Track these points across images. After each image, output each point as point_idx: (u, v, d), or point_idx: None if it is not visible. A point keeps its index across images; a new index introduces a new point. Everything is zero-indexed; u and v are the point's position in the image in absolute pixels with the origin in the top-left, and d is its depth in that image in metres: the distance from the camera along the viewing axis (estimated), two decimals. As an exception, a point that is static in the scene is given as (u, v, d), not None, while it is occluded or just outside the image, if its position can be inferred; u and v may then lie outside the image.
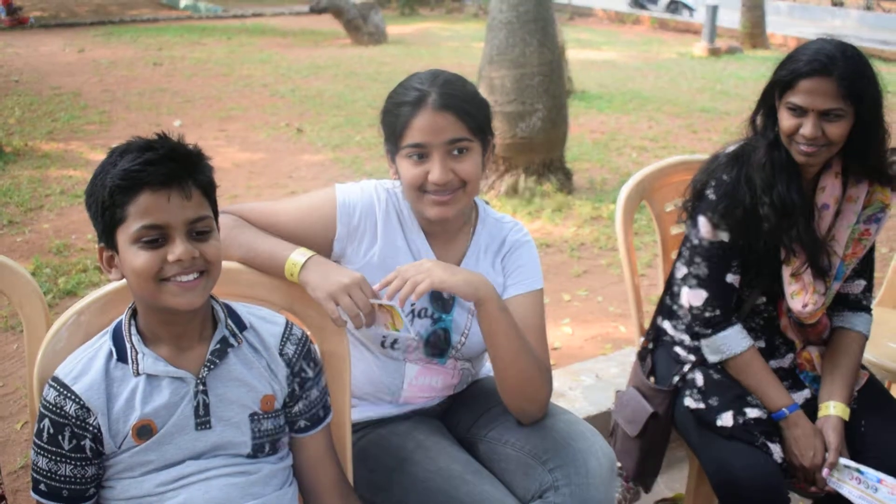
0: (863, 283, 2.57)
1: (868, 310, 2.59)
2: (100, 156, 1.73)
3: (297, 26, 18.30)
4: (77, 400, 1.71)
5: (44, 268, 5.18)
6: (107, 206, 1.65)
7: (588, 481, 2.03)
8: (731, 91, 11.89)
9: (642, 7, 22.14)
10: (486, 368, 2.49)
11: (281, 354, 1.90)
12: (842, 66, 2.23)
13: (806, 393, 2.53)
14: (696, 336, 2.55)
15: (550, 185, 6.88)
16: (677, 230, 2.91)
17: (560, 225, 6.36)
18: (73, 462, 1.73)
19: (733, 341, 2.45)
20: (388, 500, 2.16)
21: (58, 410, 1.71)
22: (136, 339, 1.77)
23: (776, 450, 2.35)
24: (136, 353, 1.76)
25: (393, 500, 2.15)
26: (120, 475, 1.78)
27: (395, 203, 2.22)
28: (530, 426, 2.18)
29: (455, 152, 2.05)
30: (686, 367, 2.58)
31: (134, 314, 1.81)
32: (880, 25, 21.74)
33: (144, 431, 1.75)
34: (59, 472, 1.72)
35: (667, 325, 2.71)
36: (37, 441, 1.73)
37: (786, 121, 2.32)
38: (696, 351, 2.59)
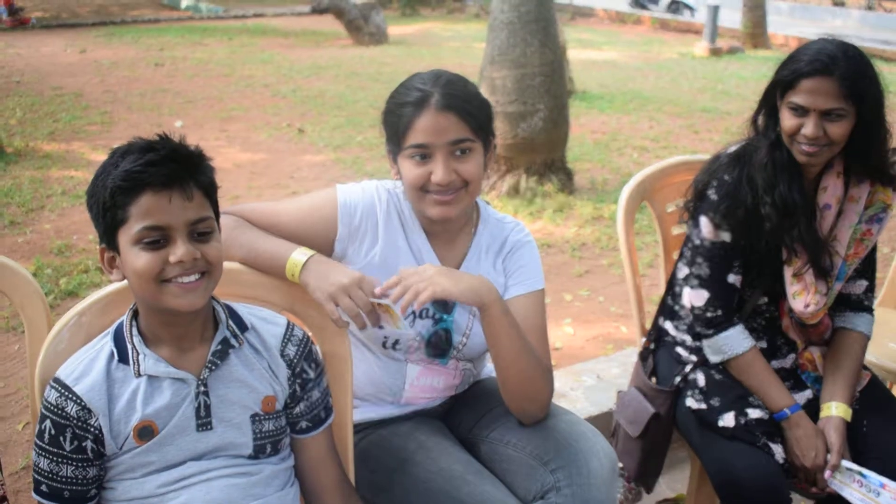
0: (864, 283, 2.57)
1: (870, 310, 2.59)
2: (101, 156, 1.73)
3: (299, 27, 18.29)
4: (78, 401, 1.71)
5: (45, 268, 5.18)
6: (108, 207, 1.65)
7: (590, 482, 2.03)
8: (732, 91, 11.88)
9: (643, 7, 22.12)
10: (488, 369, 2.49)
11: (282, 355, 1.90)
12: (843, 66, 2.22)
13: (808, 393, 2.52)
14: (697, 336, 2.55)
15: (552, 185, 6.88)
16: (678, 230, 2.90)
17: (561, 225, 6.35)
18: (74, 463, 1.73)
19: (735, 342, 2.44)
20: (390, 501, 2.16)
21: (59, 411, 1.71)
22: (137, 340, 1.77)
23: (778, 450, 2.35)
24: (138, 354, 1.75)
25: (394, 500, 2.15)
26: (121, 476, 1.78)
27: (397, 203, 2.22)
28: (532, 427, 2.18)
29: (457, 153, 2.05)
30: (687, 368, 2.58)
31: (135, 315, 1.81)
32: (882, 25, 21.73)
33: (145, 432, 1.75)
34: (60, 473, 1.72)
35: (668, 325, 2.71)
36: (38, 442, 1.73)
37: (787, 121, 2.32)
38: (697, 351, 2.59)
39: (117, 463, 1.77)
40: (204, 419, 1.79)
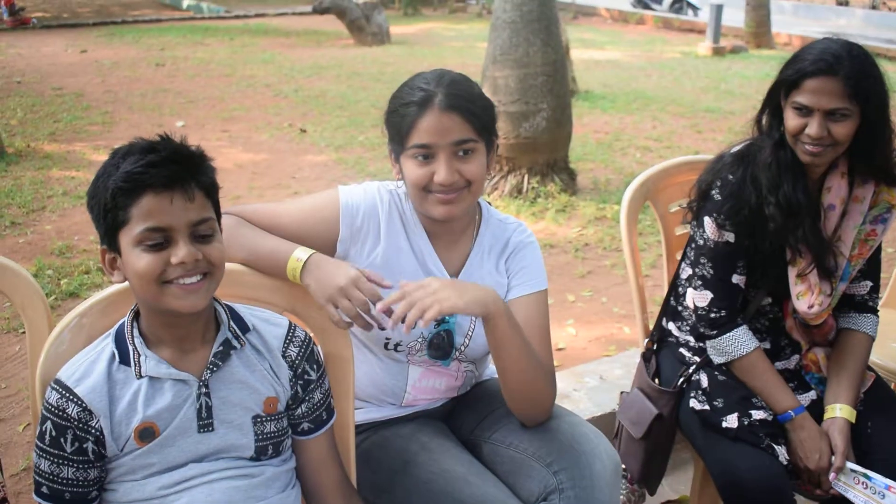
0: (869, 283, 2.56)
1: (874, 311, 2.58)
2: (102, 157, 1.72)
3: (300, 26, 18.30)
4: (79, 402, 1.71)
5: (46, 269, 5.18)
6: (109, 209, 1.65)
7: (592, 483, 2.03)
8: (735, 90, 11.87)
9: (646, 6, 22.11)
10: (490, 370, 2.48)
11: (284, 356, 1.90)
12: (848, 66, 2.22)
13: (812, 394, 2.52)
14: (701, 337, 2.54)
15: (554, 185, 6.87)
16: (681, 231, 2.90)
17: (564, 225, 6.35)
18: (75, 465, 1.72)
19: (739, 342, 2.44)
20: (391, 502, 2.15)
21: (60, 413, 1.71)
22: (138, 341, 1.76)
23: (781, 452, 2.34)
24: (139, 355, 1.75)
25: (396, 501, 2.14)
26: (122, 478, 1.78)
27: (398, 204, 2.21)
28: (534, 428, 2.18)
29: (461, 153, 2.04)
30: (691, 369, 2.57)
31: (136, 316, 1.80)
32: (886, 24, 21.70)
33: (147, 434, 1.75)
34: (61, 475, 1.72)
35: (671, 326, 2.71)
36: (39, 443, 1.73)
37: (791, 120, 2.31)
38: (700, 352, 2.58)
39: (118, 464, 1.77)
40: (205, 420, 1.79)
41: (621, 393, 2.82)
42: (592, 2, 23.06)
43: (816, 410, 2.45)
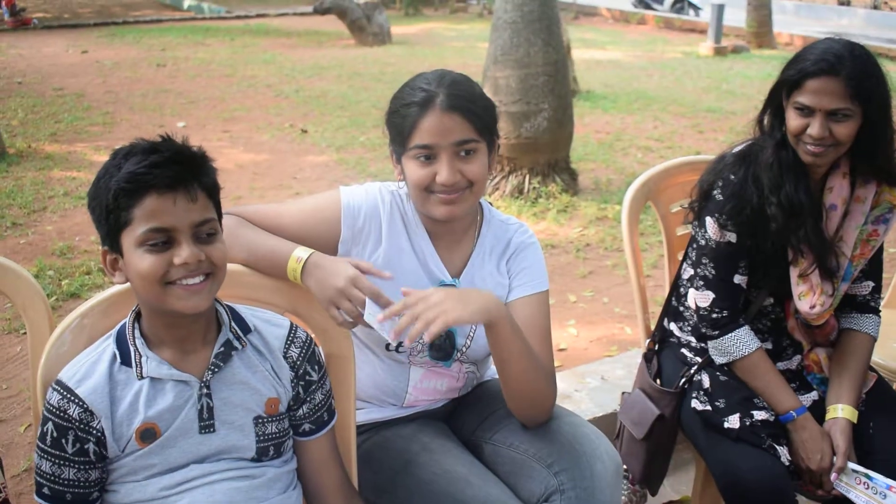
0: (871, 284, 2.56)
1: (876, 311, 2.58)
2: (103, 157, 1.72)
3: (301, 27, 18.29)
4: (81, 403, 1.71)
5: (47, 270, 5.17)
6: (111, 210, 1.65)
7: (593, 484, 2.02)
8: (737, 91, 11.85)
9: (647, 6, 22.09)
10: (492, 371, 2.48)
11: (285, 357, 1.90)
12: (850, 66, 2.21)
13: (813, 395, 2.51)
14: (702, 338, 2.54)
15: (556, 185, 6.86)
16: (683, 231, 2.90)
17: (565, 226, 6.34)
18: (76, 466, 1.72)
19: (741, 343, 2.43)
20: (393, 503, 2.16)
21: (61, 414, 1.71)
22: (139, 342, 1.76)
23: (783, 452, 2.34)
24: (140, 356, 1.75)
25: (397, 502, 2.15)
26: (123, 479, 1.78)
27: (400, 205, 2.21)
28: (535, 429, 2.18)
29: (462, 153, 2.04)
30: (692, 369, 2.57)
31: (137, 317, 1.80)
32: (888, 24, 21.66)
33: (148, 435, 1.75)
34: (62, 476, 1.72)
35: (673, 326, 2.71)
36: (40, 444, 1.73)
37: (793, 121, 2.31)
38: (702, 352, 2.58)
39: (119, 465, 1.77)
40: (207, 421, 1.79)
41: (623, 393, 2.81)
42: (593, 2, 23.03)
43: (818, 411, 2.45)
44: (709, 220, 2.43)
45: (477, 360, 2.33)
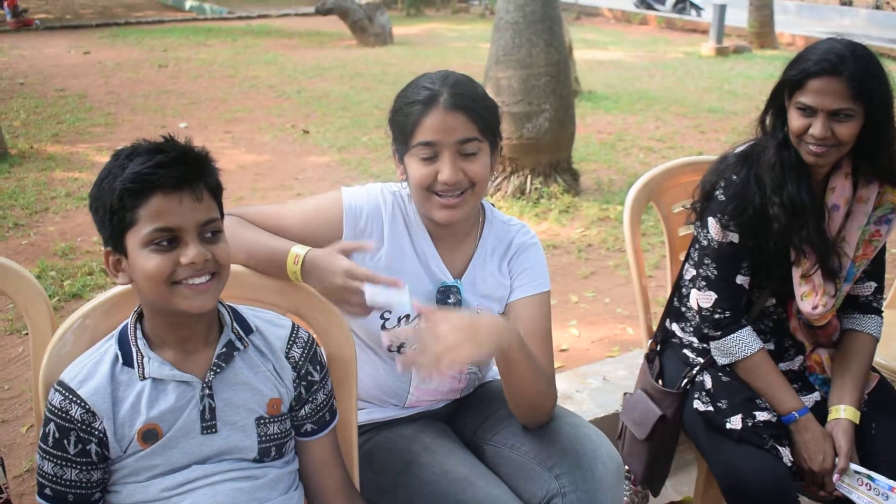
0: (873, 284, 2.56)
1: (878, 312, 2.58)
2: (105, 158, 1.71)
3: (303, 27, 18.30)
4: (83, 404, 1.71)
5: (49, 271, 5.17)
6: (115, 210, 1.64)
7: (595, 486, 2.02)
8: (739, 91, 11.85)
9: (649, 6, 22.08)
10: (493, 371, 2.48)
11: (287, 357, 1.90)
12: (851, 66, 2.21)
13: (815, 396, 2.51)
14: (704, 338, 2.54)
15: (557, 186, 6.86)
16: (685, 231, 2.90)
17: (567, 226, 6.34)
18: (78, 466, 1.72)
19: (743, 344, 2.43)
20: (394, 503, 2.15)
21: (63, 415, 1.71)
22: (141, 342, 1.76)
23: (785, 453, 2.34)
24: (142, 356, 1.75)
25: (399, 502, 2.14)
26: (125, 480, 1.78)
27: (402, 206, 2.21)
28: (535, 430, 2.18)
29: (465, 153, 2.04)
30: (694, 370, 2.57)
31: (139, 318, 1.80)
32: (890, 24, 21.64)
33: (150, 435, 1.75)
34: (64, 477, 1.72)
35: (675, 327, 2.71)
36: (42, 445, 1.73)
37: (795, 121, 2.31)
38: (704, 353, 2.58)
39: (121, 466, 1.77)
40: (209, 422, 1.79)
41: (625, 394, 2.81)
42: (595, 2, 23.03)
43: (820, 412, 2.45)
44: (711, 221, 2.43)
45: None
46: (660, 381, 2.67)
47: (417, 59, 13.97)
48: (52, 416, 1.72)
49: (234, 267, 1.97)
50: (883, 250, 2.54)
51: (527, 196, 6.78)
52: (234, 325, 1.84)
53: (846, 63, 2.22)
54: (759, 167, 2.39)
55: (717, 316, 2.45)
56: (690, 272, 2.54)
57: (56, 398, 1.72)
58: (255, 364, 1.85)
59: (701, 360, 2.58)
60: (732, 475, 2.32)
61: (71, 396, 1.71)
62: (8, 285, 2.08)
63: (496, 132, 2.14)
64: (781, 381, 2.44)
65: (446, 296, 2.19)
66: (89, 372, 1.74)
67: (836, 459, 2.33)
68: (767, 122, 2.45)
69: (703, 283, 2.47)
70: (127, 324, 1.80)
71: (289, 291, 2.09)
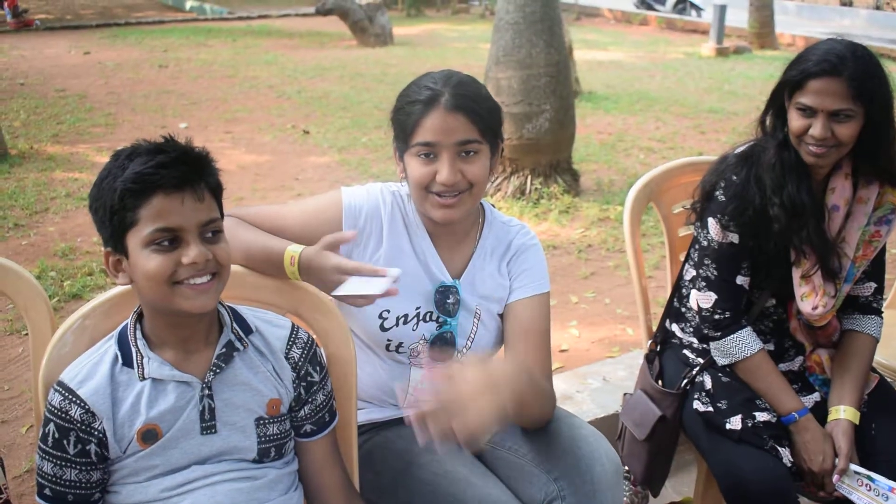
0: (873, 285, 2.56)
1: (878, 312, 2.57)
2: (105, 158, 1.71)
3: (303, 28, 18.30)
4: (82, 404, 1.71)
5: (49, 271, 5.17)
6: (116, 210, 1.64)
7: (594, 488, 2.02)
8: (739, 91, 11.85)
9: (649, 7, 22.09)
10: (493, 372, 2.48)
11: (287, 358, 1.90)
12: (852, 67, 2.21)
13: (815, 396, 2.51)
14: (704, 339, 2.54)
15: (557, 186, 6.86)
16: (685, 232, 2.90)
17: (567, 226, 6.34)
18: (78, 467, 1.72)
19: (743, 344, 2.43)
20: (394, 503, 2.15)
21: (63, 415, 1.71)
22: (141, 343, 1.76)
23: (785, 453, 2.34)
24: (142, 357, 1.75)
25: (398, 503, 2.14)
26: (125, 480, 1.78)
27: (401, 205, 2.21)
28: (534, 432, 2.18)
29: (464, 153, 2.04)
30: (694, 370, 2.57)
31: (139, 318, 1.80)
32: (890, 25, 21.64)
33: (149, 436, 1.75)
34: (64, 477, 1.72)
35: (675, 327, 2.70)
36: (42, 445, 1.73)
37: (795, 121, 2.31)
38: (704, 353, 2.58)
39: (121, 466, 1.77)
40: (208, 423, 1.79)
41: (624, 394, 2.81)
42: (595, 2, 23.04)
43: (820, 412, 2.44)
44: (711, 221, 2.43)
45: (478, 362, 2.32)
46: (660, 382, 2.67)
47: (417, 60, 13.98)
48: (51, 417, 1.72)
49: (233, 267, 1.97)
50: (883, 251, 2.53)
51: (527, 196, 6.78)
52: (234, 325, 1.84)
53: (846, 63, 2.21)
54: (759, 168, 2.38)
55: (716, 316, 2.45)
56: (690, 273, 2.54)
57: (56, 398, 1.72)
58: (255, 364, 1.85)
59: (701, 360, 2.58)
60: (732, 475, 2.31)
61: (70, 397, 1.71)
62: (8, 286, 2.08)
63: (497, 134, 2.14)
64: (781, 381, 2.44)
65: (445, 296, 2.19)
66: (89, 372, 1.74)
67: (836, 460, 2.33)
68: (767, 122, 2.45)
69: (703, 284, 2.47)
70: (126, 324, 1.80)
71: (288, 292, 2.09)
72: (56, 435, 1.71)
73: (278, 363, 1.89)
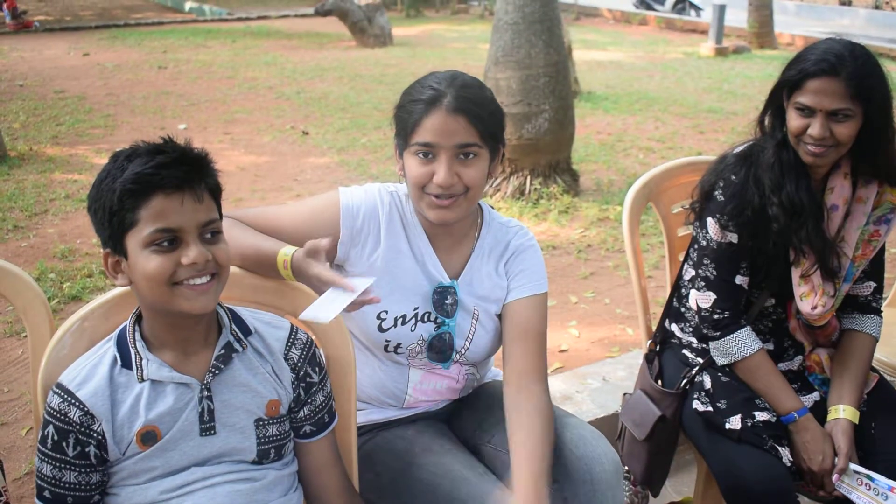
0: (872, 284, 2.56)
1: (878, 312, 2.57)
2: (104, 160, 1.71)
3: (302, 28, 18.30)
4: (81, 406, 1.71)
5: (48, 273, 5.17)
6: (115, 211, 1.64)
7: (594, 488, 2.02)
8: (738, 91, 11.84)
9: (649, 7, 22.08)
10: (493, 372, 2.48)
11: (286, 359, 1.90)
12: (850, 66, 2.21)
13: (815, 396, 2.51)
14: (704, 338, 2.54)
15: (557, 186, 6.86)
16: (684, 232, 2.90)
17: (567, 227, 6.34)
18: (77, 469, 1.72)
19: (742, 344, 2.43)
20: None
21: (62, 417, 1.71)
22: (140, 344, 1.76)
23: (785, 453, 2.33)
24: (141, 358, 1.75)
25: (398, 503, 2.14)
26: (124, 482, 1.78)
27: (399, 206, 2.21)
28: None
29: (462, 156, 2.04)
30: (694, 370, 2.57)
31: (138, 320, 1.80)
32: (889, 24, 21.62)
33: (149, 437, 1.75)
34: (63, 479, 1.72)
35: (674, 327, 2.70)
36: (41, 448, 1.73)
37: (794, 121, 2.31)
38: (703, 353, 2.58)
39: (120, 468, 1.76)
40: (207, 424, 1.79)
41: (624, 394, 2.81)
42: (595, 2, 23.03)
43: (820, 411, 2.44)
44: (710, 221, 2.43)
45: (476, 362, 2.33)
46: (659, 382, 2.67)
47: (417, 60, 13.98)
48: (50, 419, 1.71)
49: (232, 269, 1.97)
50: (882, 250, 2.53)
51: (526, 197, 6.77)
52: (233, 326, 1.84)
53: (845, 63, 2.21)
54: (758, 167, 2.38)
55: (716, 316, 2.45)
56: (689, 272, 2.54)
57: (55, 400, 1.72)
58: (254, 366, 1.85)
59: (700, 360, 2.58)
60: (732, 475, 2.31)
61: (69, 399, 1.71)
62: (6, 287, 2.08)
63: (498, 138, 2.13)
64: (781, 381, 2.44)
65: (443, 296, 2.19)
66: (88, 374, 1.74)
67: (836, 459, 2.33)
68: (766, 122, 2.45)
69: (703, 284, 2.47)
70: (125, 326, 1.80)
71: (287, 293, 2.09)
72: (55, 437, 1.71)
73: (277, 364, 1.88)
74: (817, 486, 2.36)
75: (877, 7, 24.37)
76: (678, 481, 3.36)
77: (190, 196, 1.66)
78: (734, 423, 2.37)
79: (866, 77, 2.23)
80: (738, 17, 17.56)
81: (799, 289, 2.42)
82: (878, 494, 2.24)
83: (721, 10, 15.38)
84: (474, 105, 2.04)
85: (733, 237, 2.41)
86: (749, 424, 2.36)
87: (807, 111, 2.27)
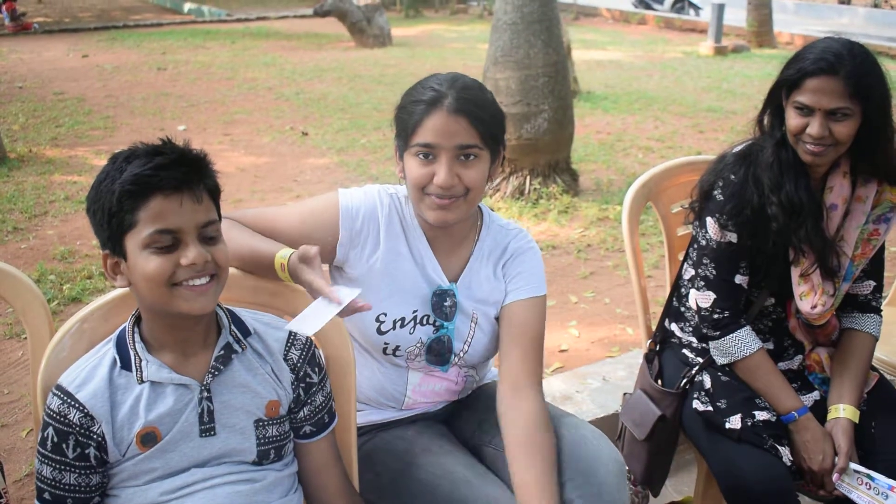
0: (872, 283, 2.56)
1: (878, 311, 2.57)
2: (104, 161, 1.71)
3: (301, 29, 18.31)
4: (81, 408, 1.71)
5: (48, 275, 5.17)
6: (114, 213, 1.64)
7: (599, 490, 2.01)
8: (737, 90, 11.85)
9: (648, 6, 22.08)
10: (492, 373, 2.48)
11: (285, 360, 1.90)
12: (849, 65, 2.21)
13: (815, 395, 2.51)
14: (704, 338, 2.53)
15: (556, 186, 6.86)
16: (683, 231, 2.90)
17: (566, 226, 6.33)
18: (77, 471, 1.72)
19: (742, 343, 2.43)
20: (394, 504, 2.15)
21: (62, 419, 1.70)
22: (139, 346, 1.76)
23: (785, 452, 2.33)
24: (140, 360, 1.75)
25: (398, 503, 2.14)
26: (124, 483, 1.78)
27: (398, 208, 2.21)
28: None
29: (462, 157, 2.03)
30: (694, 370, 2.56)
31: (137, 321, 1.80)
32: (888, 23, 21.62)
33: (148, 439, 1.75)
34: (63, 481, 1.72)
35: (674, 327, 2.70)
36: (41, 450, 1.73)
37: (792, 120, 2.31)
38: (703, 353, 2.58)
39: (120, 470, 1.76)
40: (207, 425, 1.79)
41: (624, 394, 2.81)
42: (594, 2, 23.05)
43: (820, 411, 2.44)
44: (709, 221, 2.43)
45: (475, 364, 2.32)
46: (659, 382, 2.67)
47: (416, 61, 13.99)
48: (50, 421, 1.71)
49: (231, 270, 1.97)
50: (882, 249, 2.53)
51: (526, 197, 6.77)
52: (232, 327, 1.84)
53: (843, 62, 2.21)
54: (757, 167, 2.38)
55: (715, 316, 2.45)
56: (689, 272, 2.54)
57: (54, 402, 1.71)
58: (254, 366, 1.85)
59: (700, 359, 2.58)
60: (732, 475, 2.31)
61: (69, 400, 1.71)
62: (6, 289, 2.08)
63: (499, 140, 2.12)
64: (781, 380, 2.44)
65: (442, 299, 2.19)
66: (87, 376, 1.74)
67: (836, 459, 2.33)
68: (765, 121, 2.45)
69: (702, 283, 2.47)
70: (125, 327, 1.80)
71: (286, 294, 2.09)
72: (55, 439, 1.71)
73: (277, 365, 1.88)
74: (817, 485, 2.36)
75: (875, 6, 24.39)
76: (678, 481, 3.36)
77: (189, 197, 1.66)
78: (734, 422, 2.37)
79: (865, 76, 2.23)
80: (737, 16, 17.58)
81: (798, 288, 2.42)
82: (878, 494, 2.24)
83: (720, 9, 15.38)
84: (475, 106, 2.03)
85: (732, 237, 2.41)
86: (749, 424, 2.36)
87: (806, 110, 2.27)
